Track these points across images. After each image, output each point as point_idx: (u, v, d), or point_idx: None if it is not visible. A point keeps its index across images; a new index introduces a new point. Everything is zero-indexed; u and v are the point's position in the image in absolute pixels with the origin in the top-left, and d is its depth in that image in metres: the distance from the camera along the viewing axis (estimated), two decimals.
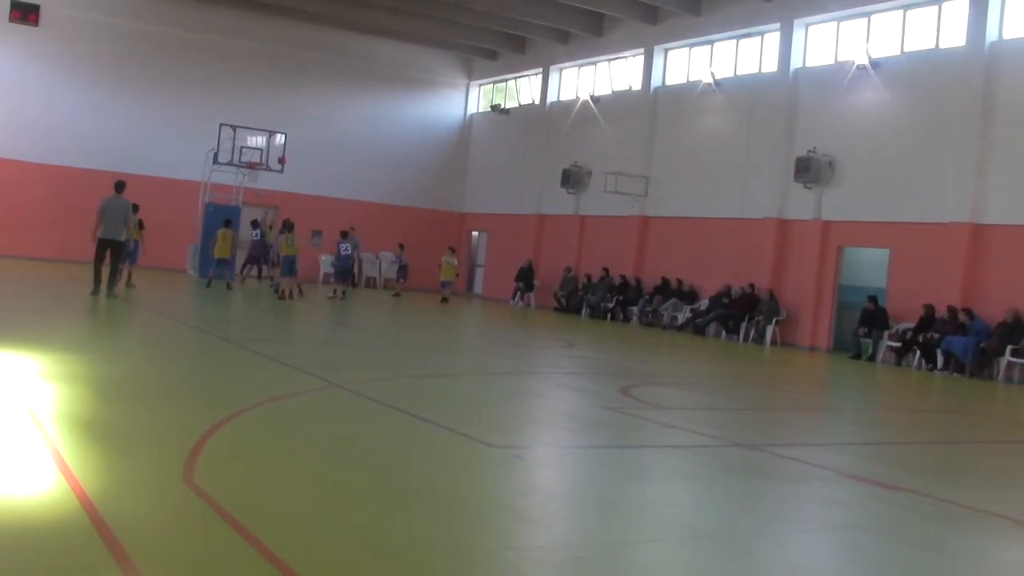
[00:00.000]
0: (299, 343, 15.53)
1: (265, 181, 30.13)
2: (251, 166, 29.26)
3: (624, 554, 5.14)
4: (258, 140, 29.84)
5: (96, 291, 17.45)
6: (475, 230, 36.88)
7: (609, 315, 27.49)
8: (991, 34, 20.24)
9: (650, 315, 26.62)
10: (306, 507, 5.38)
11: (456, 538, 5.07)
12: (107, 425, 7.01)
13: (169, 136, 31.25)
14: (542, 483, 6.89)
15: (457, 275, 30.41)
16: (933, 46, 21.69)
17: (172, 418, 7.65)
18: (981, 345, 18.79)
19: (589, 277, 29.40)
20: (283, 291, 23.11)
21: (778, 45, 24.87)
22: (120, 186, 18.01)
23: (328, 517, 5.22)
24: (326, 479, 6.11)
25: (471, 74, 37.45)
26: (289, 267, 23.69)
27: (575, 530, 5.68)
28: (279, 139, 29.85)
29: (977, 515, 6.86)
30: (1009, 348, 18.53)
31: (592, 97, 31.45)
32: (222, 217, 27.08)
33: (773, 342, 23.25)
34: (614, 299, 27.60)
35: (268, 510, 5.20)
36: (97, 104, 30.68)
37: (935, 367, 19.50)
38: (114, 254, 17.75)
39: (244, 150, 29.23)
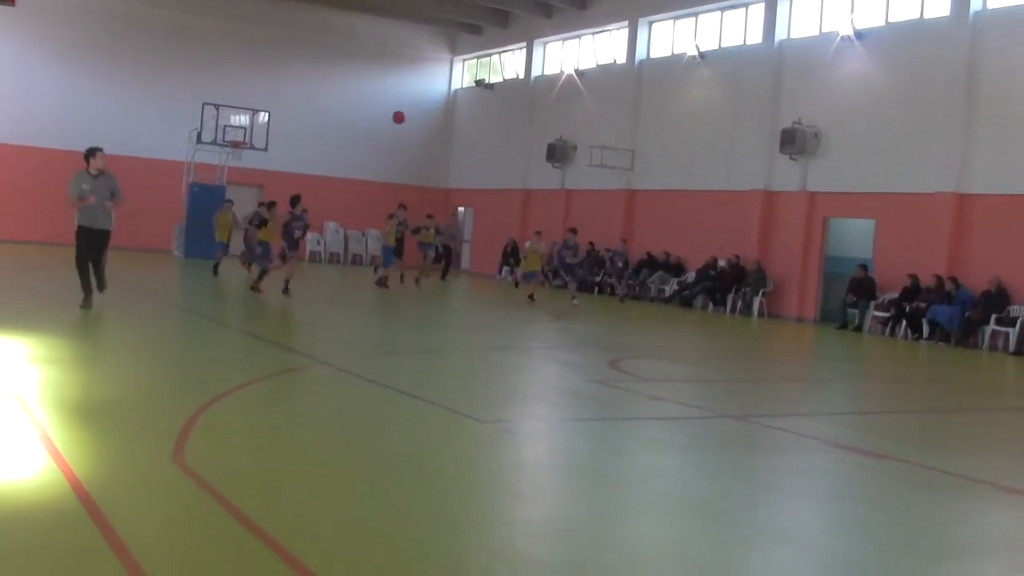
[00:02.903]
0: (291, 325, 15.50)
1: (249, 160, 29.97)
2: (235, 145, 29.09)
3: (613, 526, 5.18)
4: (241, 119, 29.66)
5: (88, 301, 12.82)
6: (461, 206, 36.80)
7: (596, 288, 27.51)
8: (975, 4, 20.22)
9: (637, 288, 26.67)
10: (296, 485, 5.40)
11: (446, 513, 5.10)
12: (97, 407, 7.00)
13: (152, 116, 31.00)
14: (531, 457, 6.93)
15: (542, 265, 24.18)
16: (917, 16, 21.66)
17: (161, 399, 7.65)
18: (966, 314, 18.90)
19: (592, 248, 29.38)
20: (257, 284, 18.72)
21: (763, 16, 24.79)
22: (92, 153, 12.94)
23: (318, 494, 5.24)
24: (315, 457, 6.13)
25: (455, 49, 37.26)
26: (262, 253, 20.00)
27: (565, 504, 5.71)
28: (262, 118, 29.67)
29: (962, 482, 6.93)
30: (993, 317, 18.66)
31: (577, 71, 31.34)
32: (209, 197, 26.92)
33: (760, 313, 23.33)
34: (600, 272, 27.64)
35: (258, 489, 5.22)
36: (78, 84, 30.40)
37: (921, 336, 19.62)
38: (98, 247, 13.06)
39: (227, 129, 29.06)
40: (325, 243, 33.79)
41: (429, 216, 26.63)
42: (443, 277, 28.06)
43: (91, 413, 6.75)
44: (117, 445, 5.98)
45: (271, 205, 20.22)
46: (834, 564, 4.89)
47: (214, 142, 28.67)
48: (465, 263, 36.19)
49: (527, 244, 24.48)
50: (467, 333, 16.08)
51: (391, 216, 23.47)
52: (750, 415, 9.11)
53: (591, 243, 28.74)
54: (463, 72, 37.50)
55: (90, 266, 12.91)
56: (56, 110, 29.88)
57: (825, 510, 6.01)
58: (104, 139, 29.46)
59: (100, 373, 8.63)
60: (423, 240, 25.52)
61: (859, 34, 22.48)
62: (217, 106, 28.65)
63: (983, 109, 19.96)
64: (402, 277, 24.30)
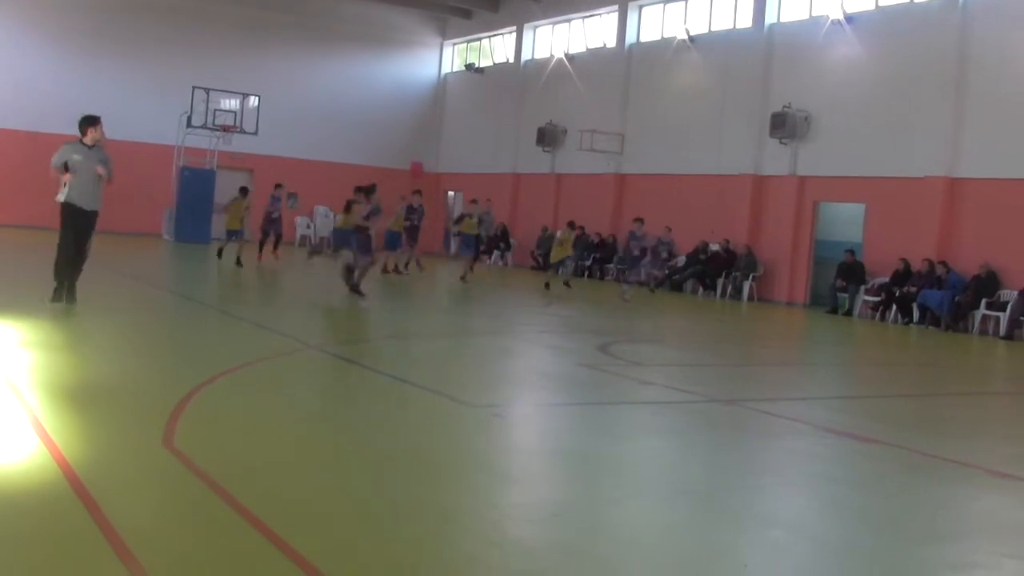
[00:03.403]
0: (283, 309, 15.47)
1: (239, 144, 29.83)
2: (225, 129, 28.94)
3: (604, 511, 5.19)
4: (232, 103, 29.49)
5: (61, 295, 11.15)
6: (451, 190, 36.73)
7: (586, 273, 27.52)
8: None
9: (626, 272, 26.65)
10: (286, 469, 5.40)
11: (437, 498, 5.10)
12: (87, 391, 6.98)
13: (142, 100, 30.79)
14: (522, 442, 6.94)
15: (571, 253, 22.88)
16: (908, 0, 21.64)
17: (152, 383, 7.63)
18: (956, 299, 18.96)
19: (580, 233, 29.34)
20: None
21: (753, 0, 24.75)
22: (90, 122, 11.29)
23: (309, 479, 5.24)
24: (306, 441, 6.12)
25: (445, 33, 37.12)
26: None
27: (555, 488, 5.72)
28: (253, 101, 29.52)
29: (952, 466, 6.96)
30: (984, 301, 18.73)
31: (567, 55, 31.27)
32: (200, 181, 26.73)
33: (750, 298, 23.36)
34: (591, 257, 27.64)
35: (248, 473, 5.22)
36: (66, 68, 30.16)
37: (911, 321, 19.67)
38: (87, 230, 11.31)
39: (218, 113, 28.91)
40: (315, 227, 33.69)
41: (473, 202, 24.39)
42: (463, 277, 22.27)
43: (82, 397, 6.73)
44: (108, 430, 5.97)
45: (370, 191, 16.39)
46: (824, 548, 4.91)
47: (204, 126, 28.51)
48: (454, 247, 36.07)
49: (559, 233, 22.98)
50: (457, 317, 16.07)
51: (402, 199, 22.83)
52: (740, 399, 9.14)
53: (581, 227, 28.72)
54: (453, 56, 37.36)
55: (70, 254, 11.13)
56: (44, 94, 29.63)
57: (816, 494, 6.03)
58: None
59: (91, 357, 8.60)
60: (464, 231, 23.14)
61: (849, 18, 22.45)
62: (207, 90, 28.48)
63: (973, 93, 19.97)
64: (385, 266, 21.89)
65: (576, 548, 4.56)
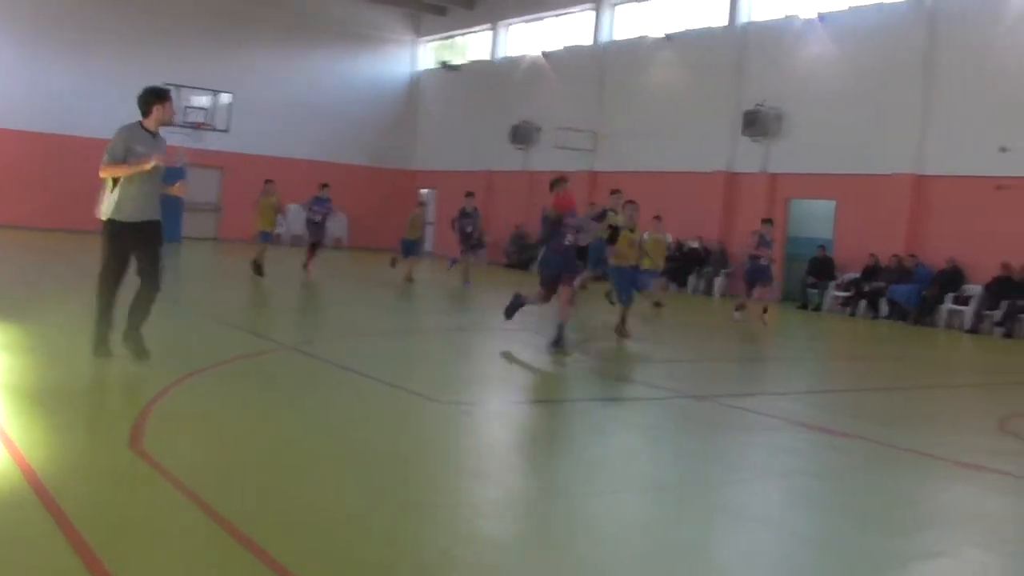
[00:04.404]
0: (254, 307, 15.38)
1: (211, 141, 29.63)
2: (197, 126, 28.74)
3: (576, 506, 5.19)
4: (203, 100, 29.29)
5: (105, 343, 8.09)
6: (425, 188, 36.64)
7: None
8: None
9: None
10: (255, 469, 5.36)
11: (409, 495, 5.09)
12: (51, 393, 6.89)
13: (112, 96, 30.33)
14: (493, 438, 6.93)
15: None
16: (879, 0, 21.82)
17: (119, 384, 7.55)
18: (923, 293, 19.17)
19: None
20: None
21: None
22: (158, 96, 8.05)
23: (278, 478, 5.21)
24: (275, 441, 6.08)
25: (419, 30, 37.01)
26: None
27: (528, 484, 5.73)
28: (224, 99, 29.32)
29: (921, 458, 7.03)
30: (950, 296, 18.94)
31: (542, 53, 31.27)
32: (169, 180, 26.34)
33: (722, 294, 23.47)
34: None
35: (218, 475, 5.17)
36: (34, 64, 29.77)
37: (877, 315, 19.88)
38: (153, 247, 8.06)
39: (189, 110, 28.69)
40: (287, 225, 33.43)
41: (615, 192, 16.72)
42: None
43: (45, 399, 6.63)
44: (73, 433, 5.90)
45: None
46: (797, 541, 4.94)
47: (175, 123, 28.26)
48: (428, 245, 36.04)
49: (646, 235, 16.06)
50: (427, 314, 16.04)
51: (421, 204, 21.68)
52: (713, 395, 9.17)
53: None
54: (428, 54, 37.27)
55: (116, 291, 8.05)
56: (10, 89, 29.29)
57: (788, 488, 6.07)
58: (61, 119, 29.26)
59: (55, 358, 8.50)
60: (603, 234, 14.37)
61: (822, 17, 22.62)
62: (178, 86, 28.25)
63: (939, 92, 20.21)
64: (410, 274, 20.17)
65: (550, 544, 4.57)
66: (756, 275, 17.41)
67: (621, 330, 12.81)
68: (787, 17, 23.51)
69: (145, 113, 7.89)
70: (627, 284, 13.19)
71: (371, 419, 7.09)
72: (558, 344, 10.52)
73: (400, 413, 7.37)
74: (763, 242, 17.51)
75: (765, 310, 17.03)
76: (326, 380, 8.58)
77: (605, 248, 13.88)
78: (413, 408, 7.57)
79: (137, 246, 7.92)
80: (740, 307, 17.49)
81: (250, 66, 32.99)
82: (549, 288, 10.96)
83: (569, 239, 10.91)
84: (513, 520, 4.91)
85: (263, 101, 32.67)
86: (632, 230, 13.24)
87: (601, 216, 15.00)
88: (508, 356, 10.81)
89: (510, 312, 11.73)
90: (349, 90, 35.46)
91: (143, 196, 7.86)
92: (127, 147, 7.71)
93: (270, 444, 6.00)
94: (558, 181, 11.57)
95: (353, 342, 11.22)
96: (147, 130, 7.90)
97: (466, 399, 8.27)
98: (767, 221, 18.02)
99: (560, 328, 10.60)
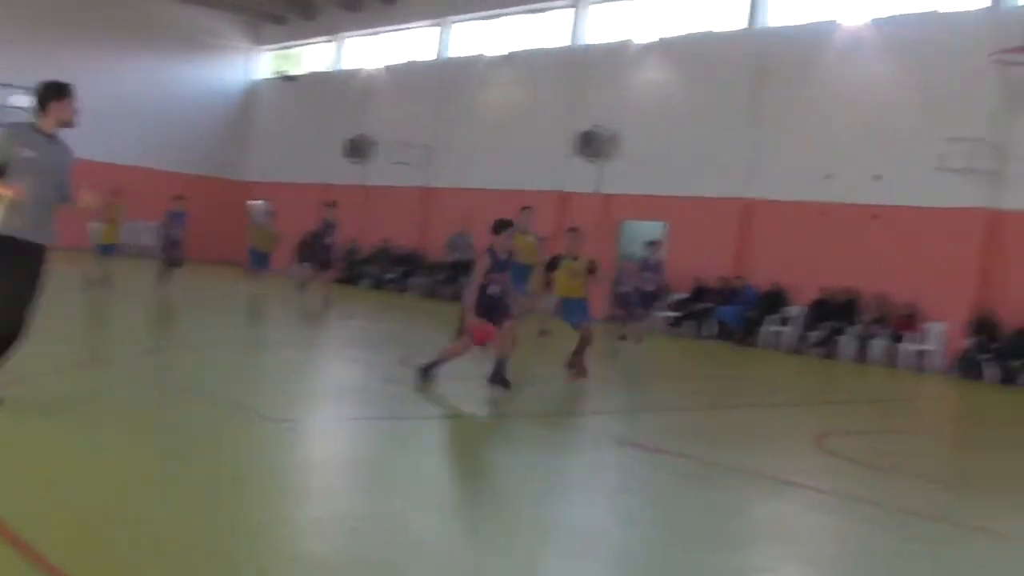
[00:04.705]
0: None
1: None
2: None
3: (400, 524, 5.07)
4: (22, 100, 27.67)
5: None
6: (258, 199, 35.72)
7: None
8: (762, 19, 21.38)
9: (434, 287, 26.58)
10: (71, 497, 4.94)
11: (229, 514, 4.87)
12: None
13: None
14: (318, 456, 6.73)
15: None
16: (712, 28, 22.62)
17: None
18: (747, 314, 19.92)
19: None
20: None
21: (572, 20, 25.33)
22: (59, 92, 6.99)
23: (95, 503, 4.85)
24: (94, 464, 5.66)
25: (258, 39, 36.17)
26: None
27: (352, 502, 5.57)
28: None
29: (743, 476, 7.19)
30: (772, 317, 19.76)
31: (382, 67, 31.05)
32: None
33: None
34: (400, 271, 27.42)
35: (29, 505, 4.76)
36: None
37: (700, 335, 20.53)
38: (34, 275, 6.58)
39: (6, 110, 27.06)
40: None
41: (525, 208, 15.78)
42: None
43: None
44: None
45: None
46: (616, 557, 4.93)
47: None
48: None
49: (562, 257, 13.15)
50: (257, 329, 15.58)
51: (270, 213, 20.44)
52: (537, 413, 9.19)
53: (384, 240, 28.45)
54: (266, 63, 36.46)
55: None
56: None
57: (610, 505, 6.09)
58: None
59: None
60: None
61: (657, 42, 23.27)
62: None
63: (767, 119, 21.08)
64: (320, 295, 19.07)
65: (373, 562, 4.44)
66: (645, 302, 16.81)
67: (576, 364, 11.61)
68: (624, 40, 24.10)
69: (42, 108, 6.77)
70: (577, 313, 12.10)
71: (193, 435, 6.75)
72: (496, 379, 9.68)
73: (225, 430, 7.05)
74: (647, 266, 17.11)
75: (623, 337, 16.69)
76: (144, 395, 8.14)
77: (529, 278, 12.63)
78: (240, 425, 7.26)
79: (19, 267, 6.45)
80: (623, 337, 16.78)
81: (78, 68, 31.29)
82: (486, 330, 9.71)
83: (494, 288, 9.80)
84: (334, 538, 4.76)
85: (91, 105, 30.84)
86: (575, 259, 12.13)
87: (553, 264, 13.90)
88: (335, 372, 10.57)
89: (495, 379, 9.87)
90: (183, 96, 34.27)
91: (36, 211, 6.54)
92: (15, 150, 6.50)
93: (86, 468, 5.55)
94: (504, 225, 10.00)
95: (174, 353, 10.75)
96: (41, 132, 6.74)
97: (293, 416, 8.01)
98: (651, 243, 18.00)
99: (500, 363, 9.75)
